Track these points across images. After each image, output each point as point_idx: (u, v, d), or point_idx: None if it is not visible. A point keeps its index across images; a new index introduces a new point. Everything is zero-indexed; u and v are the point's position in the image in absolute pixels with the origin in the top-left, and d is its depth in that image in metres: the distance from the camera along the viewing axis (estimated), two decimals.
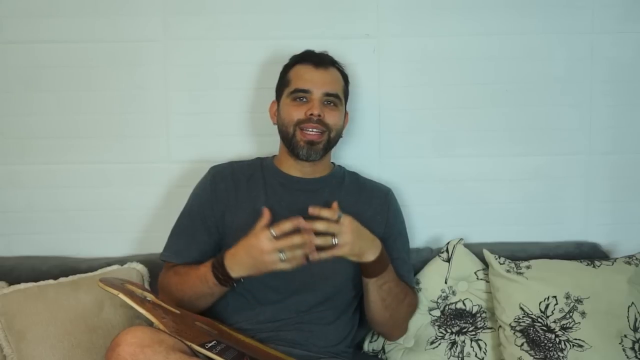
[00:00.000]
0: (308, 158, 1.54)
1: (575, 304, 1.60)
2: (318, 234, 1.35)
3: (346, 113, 1.64)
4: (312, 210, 1.36)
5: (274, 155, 1.66)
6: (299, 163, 1.57)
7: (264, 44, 1.79)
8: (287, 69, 1.60)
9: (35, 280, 1.63)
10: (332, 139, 1.57)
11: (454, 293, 1.71)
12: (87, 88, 1.80)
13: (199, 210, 1.58)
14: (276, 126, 1.61)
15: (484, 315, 1.70)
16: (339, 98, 1.57)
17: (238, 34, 1.80)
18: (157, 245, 1.64)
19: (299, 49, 1.63)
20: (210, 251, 1.56)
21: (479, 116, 1.85)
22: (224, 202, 1.56)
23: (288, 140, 1.55)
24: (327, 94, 1.54)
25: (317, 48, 1.62)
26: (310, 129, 1.52)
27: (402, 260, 1.62)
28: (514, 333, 1.60)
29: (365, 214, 1.56)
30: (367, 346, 1.72)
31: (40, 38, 1.78)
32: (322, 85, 1.54)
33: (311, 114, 1.51)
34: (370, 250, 1.42)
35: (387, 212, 1.60)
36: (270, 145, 1.67)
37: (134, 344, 1.16)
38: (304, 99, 1.54)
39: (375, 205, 1.60)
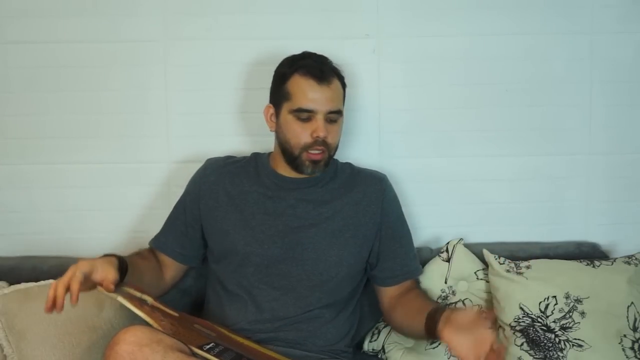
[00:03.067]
0: (312, 174, 1.54)
1: (575, 304, 1.60)
2: None
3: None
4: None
5: (270, 152, 1.66)
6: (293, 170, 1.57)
7: (264, 44, 1.79)
8: (285, 77, 1.53)
9: (36, 280, 1.63)
10: (332, 155, 1.56)
11: (454, 293, 1.71)
12: (87, 88, 1.80)
13: (183, 201, 1.63)
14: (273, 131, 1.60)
15: (484, 315, 1.69)
16: (340, 112, 1.55)
17: (238, 34, 1.80)
18: None
19: (299, 49, 1.62)
20: (189, 242, 1.61)
21: (479, 116, 1.85)
22: (213, 196, 1.58)
23: (291, 159, 1.53)
24: (330, 112, 1.51)
25: (317, 48, 1.61)
26: (315, 151, 1.51)
27: (408, 248, 1.63)
28: (513, 333, 1.60)
29: (360, 203, 1.57)
30: (367, 346, 1.72)
31: (40, 38, 1.78)
32: (326, 104, 1.50)
33: (317, 137, 1.49)
34: None
35: (381, 200, 1.59)
36: (269, 145, 1.67)
37: (132, 343, 1.17)
38: (308, 119, 1.50)
39: (369, 193, 1.59)
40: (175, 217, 1.63)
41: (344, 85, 1.59)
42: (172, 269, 1.63)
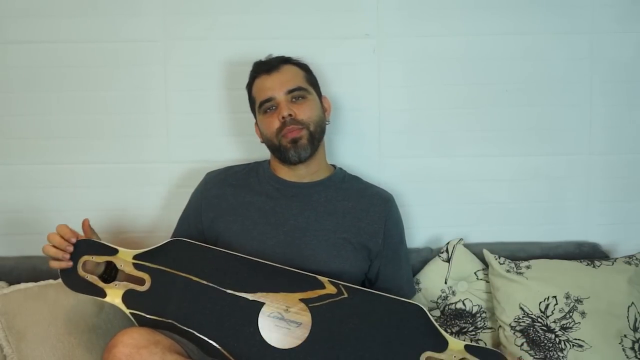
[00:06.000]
0: (300, 158, 1.53)
1: (575, 304, 1.60)
2: None
3: (324, 97, 1.64)
4: None
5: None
6: (292, 168, 1.57)
7: (264, 44, 1.78)
8: (249, 88, 1.62)
9: (36, 280, 1.63)
10: (313, 132, 1.55)
11: (454, 293, 1.71)
12: (87, 88, 1.80)
13: (187, 217, 1.62)
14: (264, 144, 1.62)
15: (484, 315, 1.70)
16: (303, 89, 1.56)
17: (238, 34, 1.81)
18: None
19: (299, 49, 1.63)
20: None
21: (479, 116, 1.85)
22: (214, 209, 1.57)
23: (277, 151, 1.55)
24: (289, 91, 1.53)
25: (317, 48, 1.63)
26: (290, 131, 1.52)
27: (405, 271, 1.64)
28: (514, 333, 1.61)
29: (362, 220, 1.56)
30: None
31: (40, 38, 1.78)
32: (281, 86, 1.53)
33: (282, 117, 1.51)
34: None
35: (385, 221, 1.58)
36: None
37: (130, 345, 1.17)
38: (273, 107, 1.54)
39: (373, 212, 1.58)
40: (179, 234, 1.61)
41: (305, 69, 1.62)
42: None
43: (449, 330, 1.67)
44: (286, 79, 1.55)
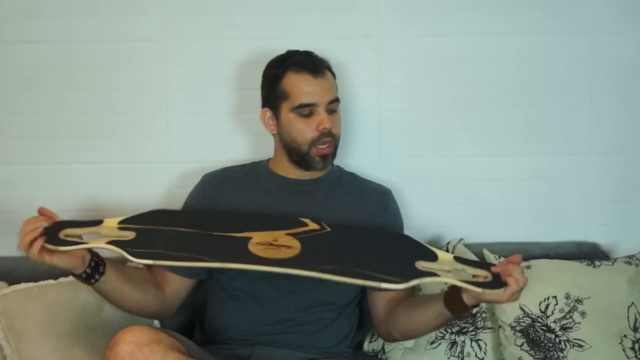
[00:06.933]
0: (323, 169, 1.54)
1: (575, 304, 1.60)
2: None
3: None
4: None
5: (269, 159, 1.65)
6: (297, 168, 1.56)
7: (264, 44, 1.79)
8: (277, 77, 1.52)
9: (36, 280, 1.63)
10: (336, 147, 1.56)
11: None
12: (87, 88, 1.80)
13: None
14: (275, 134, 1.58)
15: (484, 315, 1.69)
16: (338, 101, 1.55)
17: (238, 34, 1.80)
18: None
19: (299, 49, 1.62)
20: None
21: (479, 116, 1.85)
22: (213, 208, 1.56)
23: (300, 157, 1.52)
24: (330, 102, 1.51)
25: (317, 48, 1.61)
26: (324, 145, 1.50)
27: None
28: (514, 333, 1.60)
29: (361, 215, 1.55)
30: (367, 346, 1.72)
31: (40, 38, 1.78)
32: (325, 95, 1.50)
33: (323, 129, 1.49)
34: None
35: (383, 214, 1.58)
36: (269, 146, 1.66)
37: (132, 343, 1.17)
38: (310, 113, 1.50)
39: (371, 206, 1.58)
40: None
41: (334, 77, 1.59)
42: (173, 283, 1.53)
43: (449, 330, 1.67)
44: (329, 87, 1.52)
